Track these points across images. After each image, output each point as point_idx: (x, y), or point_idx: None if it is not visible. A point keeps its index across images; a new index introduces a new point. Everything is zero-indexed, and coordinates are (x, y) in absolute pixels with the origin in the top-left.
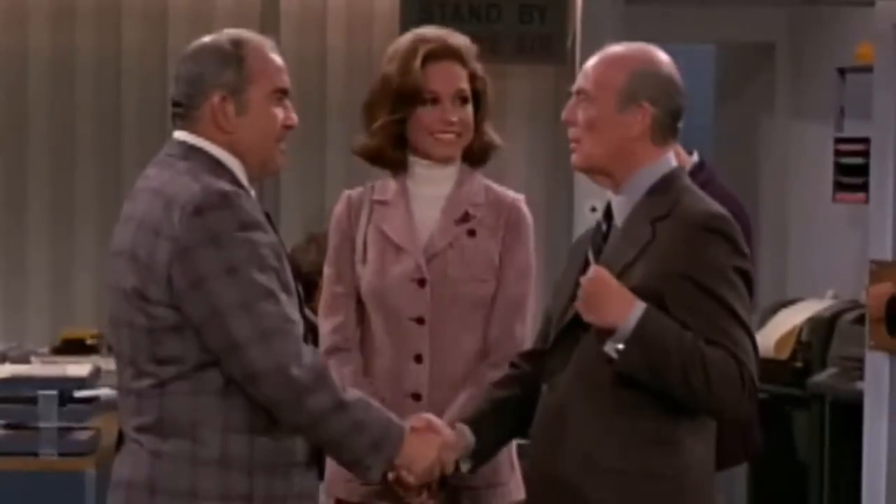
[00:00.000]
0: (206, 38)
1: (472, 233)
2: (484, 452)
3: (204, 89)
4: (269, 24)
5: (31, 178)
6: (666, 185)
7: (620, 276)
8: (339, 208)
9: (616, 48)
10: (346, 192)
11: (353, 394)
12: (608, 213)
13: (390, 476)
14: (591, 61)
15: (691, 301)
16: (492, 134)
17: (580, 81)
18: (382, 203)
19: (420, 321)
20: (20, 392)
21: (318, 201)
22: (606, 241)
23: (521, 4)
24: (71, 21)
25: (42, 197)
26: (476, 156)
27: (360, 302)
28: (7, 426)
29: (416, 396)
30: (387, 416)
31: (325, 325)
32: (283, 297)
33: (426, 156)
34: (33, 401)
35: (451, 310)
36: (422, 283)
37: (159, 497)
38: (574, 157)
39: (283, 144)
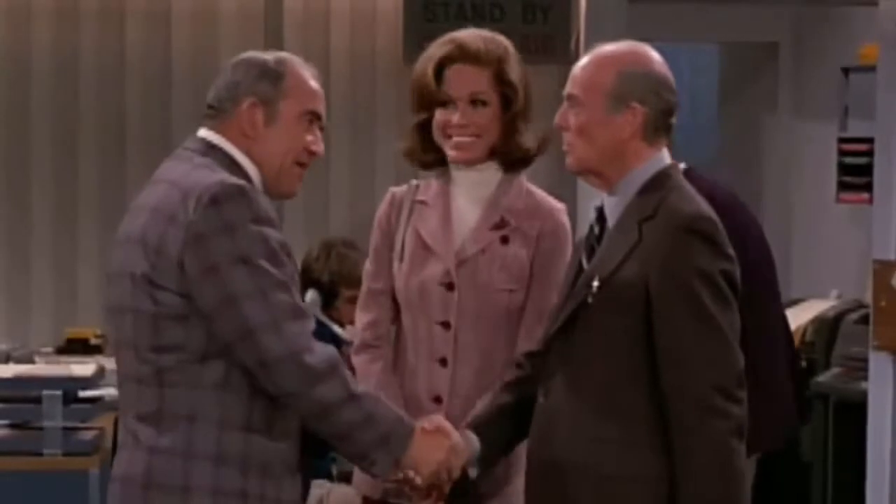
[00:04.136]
0: (252, 53)
1: (505, 240)
2: (490, 456)
3: (237, 95)
4: (272, 24)
5: (35, 178)
6: (655, 184)
7: (611, 277)
8: (382, 206)
9: (604, 49)
10: (391, 190)
11: (363, 388)
12: (601, 215)
13: (399, 476)
14: (580, 64)
15: (673, 309)
16: (525, 138)
17: (569, 86)
18: (423, 203)
19: (446, 325)
20: (24, 391)
21: (322, 205)
22: (600, 242)
23: (524, 4)
24: (74, 21)
25: (46, 197)
26: (508, 160)
27: (395, 300)
28: (11, 426)
29: (438, 399)
30: (396, 414)
31: (359, 321)
32: (293, 290)
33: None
34: (38, 400)
35: (478, 316)
36: (450, 287)
37: (152, 492)
38: (568, 161)
39: (302, 171)
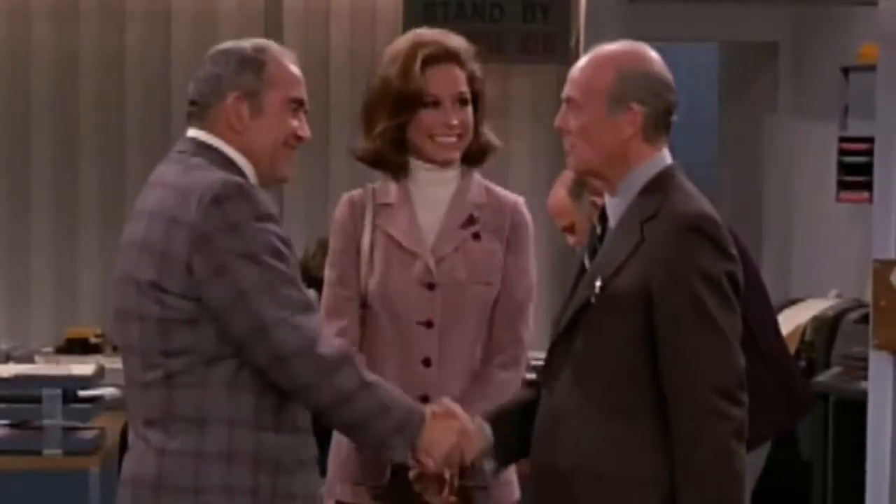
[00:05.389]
0: (229, 43)
1: (476, 236)
2: (508, 452)
3: (221, 89)
4: (272, 24)
5: (35, 178)
6: (657, 184)
7: (613, 278)
8: (341, 210)
9: (601, 50)
10: (347, 195)
11: (374, 376)
12: (603, 216)
13: (410, 464)
14: (577, 66)
15: (675, 310)
16: (490, 135)
17: (567, 89)
18: (386, 206)
19: (429, 325)
20: (24, 391)
21: (322, 202)
22: (602, 242)
23: (524, 3)
24: (74, 20)
25: (46, 196)
26: (474, 157)
27: (362, 305)
28: (11, 425)
29: (425, 399)
30: (408, 399)
31: (328, 329)
32: (301, 285)
33: (427, 159)
34: (37, 399)
35: (459, 313)
36: (431, 286)
37: (164, 493)
38: (569, 161)
39: (293, 154)
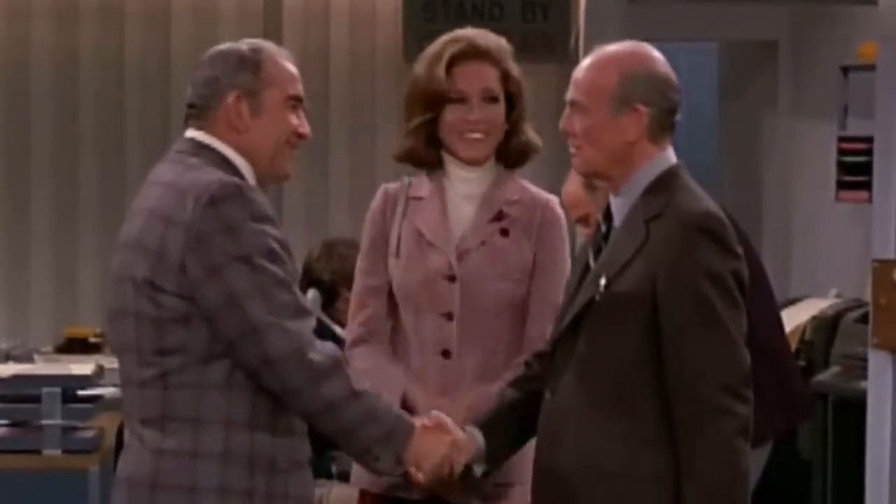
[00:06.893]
0: (224, 45)
1: (504, 232)
2: (498, 453)
3: (220, 90)
4: (272, 24)
5: (35, 177)
6: (661, 184)
7: (618, 276)
8: (375, 202)
9: (604, 51)
10: (384, 186)
11: (364, 384)
12: (608, 214)
13: (401, 471)
14: (581, 68)
15: (680, 309)
16: (530, 134)
17: (571, 92)
18: (418, 199)
19: (449, 317)
20: (24, 390)
21: (321, 203)
22: (607, 241)
23: (523, 2)
24: (74, 20)
25: (45, 196)
26: (511, 157)
27: (391, 295)
28: (11, 424)
29: (442, 391)
30: (396, 410)
31: (354, 318)
32: (295, 288)
33: (457, 155)
34: (37, 399)
35: (481, 307)
36: (452, 279)
37: (160, 493)
38: (575, 164)
39: (294, 152)
